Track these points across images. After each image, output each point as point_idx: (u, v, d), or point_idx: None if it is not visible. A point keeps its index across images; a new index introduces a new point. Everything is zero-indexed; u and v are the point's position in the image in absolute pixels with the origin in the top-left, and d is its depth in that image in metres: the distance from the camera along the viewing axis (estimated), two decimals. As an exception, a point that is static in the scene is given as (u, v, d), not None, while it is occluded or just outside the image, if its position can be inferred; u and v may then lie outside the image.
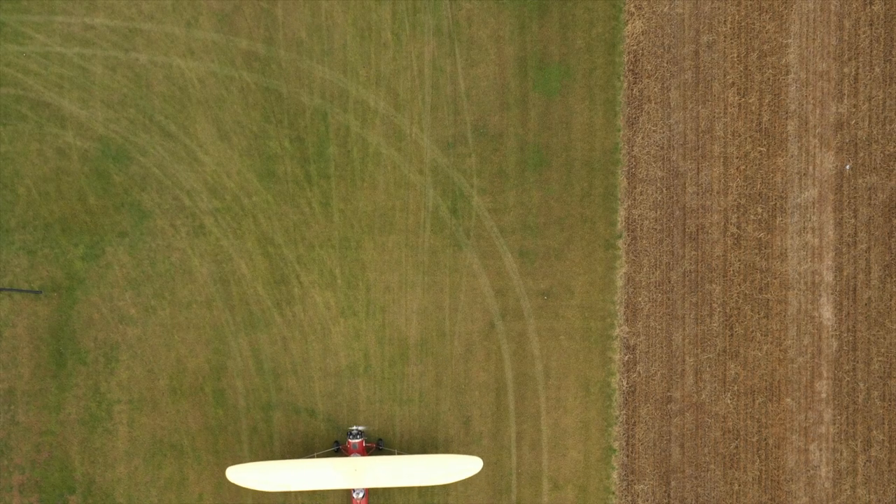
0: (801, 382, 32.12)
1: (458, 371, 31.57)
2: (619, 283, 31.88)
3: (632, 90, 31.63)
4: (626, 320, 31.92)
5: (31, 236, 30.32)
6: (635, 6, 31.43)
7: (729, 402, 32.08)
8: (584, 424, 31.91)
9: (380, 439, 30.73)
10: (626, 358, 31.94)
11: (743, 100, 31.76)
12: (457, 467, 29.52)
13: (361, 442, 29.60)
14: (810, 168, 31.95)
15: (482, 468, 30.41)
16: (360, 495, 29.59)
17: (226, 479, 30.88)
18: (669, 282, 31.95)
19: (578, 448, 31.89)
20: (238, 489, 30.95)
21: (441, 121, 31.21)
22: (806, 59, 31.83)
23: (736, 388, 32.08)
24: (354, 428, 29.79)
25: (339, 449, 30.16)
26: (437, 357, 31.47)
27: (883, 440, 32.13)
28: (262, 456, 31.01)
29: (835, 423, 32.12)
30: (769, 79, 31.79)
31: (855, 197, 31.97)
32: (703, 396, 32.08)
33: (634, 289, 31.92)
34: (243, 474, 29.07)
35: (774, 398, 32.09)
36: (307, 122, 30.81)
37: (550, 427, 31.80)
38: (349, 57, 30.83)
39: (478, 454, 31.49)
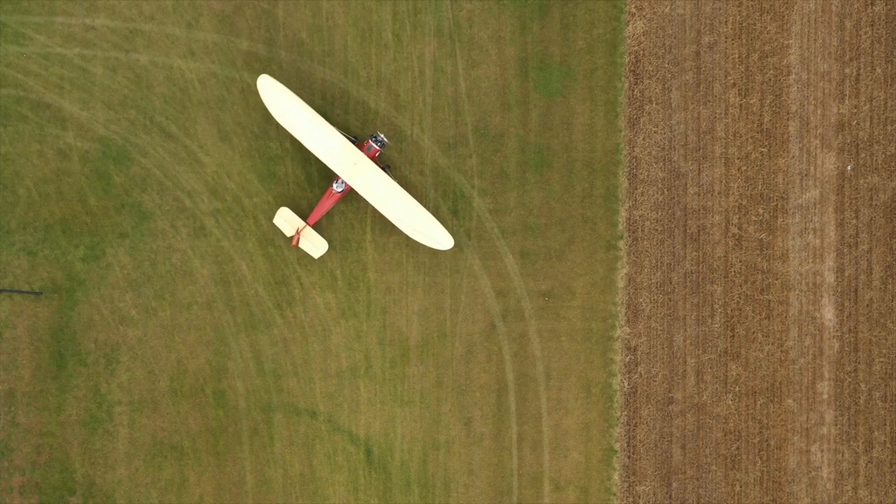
0: (802, 383, 32.09)
1: (459, 372, 31.54)
2: (621, 284, 31.85)
3: (633, 91, 31.61)
4: (628, 321, 31.89)
5: (32, 237, 30.30)
6: (636, 7, 31.41)
7: (730, 403, 32.04)
8: (585, 425, 31.87)
9: (388, 165, 30.41)
10: (627, 359, 31.91)
11: (744, 100, 31.74)
12: (429, 232, 29.52)
13: (377, 151, 29.38)
14: (812, 169, 31.93)
15: (484, 467, 30.33)
16: (341, 188, 29.47)
17: (227, 479, 30.89)
18: (671, 283, 31.92)
19: (580, 449, 31.86)
20: (239, 489, 30.92)
21: (442, 122, 31.18)
22: (807, 60, 31.80)
23: (737, 389, 32.05)
24: (381, 135, 29.40)
25: (354, 142, 29.70)
26: (438, 358, 31.45)
27: (885, 441, 32.09)
28: (262, 457, 30.98)
29: (836, 425, 32.09)
30: (770, 79, 31.77)
31: (856, 198, 31.94)
32: (705, 397, 32.04)
33: (635, 290, 31.89)
34: (272, 91, 28.78)
35: (776, 399, 32.06)
36: (308, 122, 30.77)
37: (552, 428, 31.77)
38: (350, 58, 30.81)
39: (479, 456, 31.47)
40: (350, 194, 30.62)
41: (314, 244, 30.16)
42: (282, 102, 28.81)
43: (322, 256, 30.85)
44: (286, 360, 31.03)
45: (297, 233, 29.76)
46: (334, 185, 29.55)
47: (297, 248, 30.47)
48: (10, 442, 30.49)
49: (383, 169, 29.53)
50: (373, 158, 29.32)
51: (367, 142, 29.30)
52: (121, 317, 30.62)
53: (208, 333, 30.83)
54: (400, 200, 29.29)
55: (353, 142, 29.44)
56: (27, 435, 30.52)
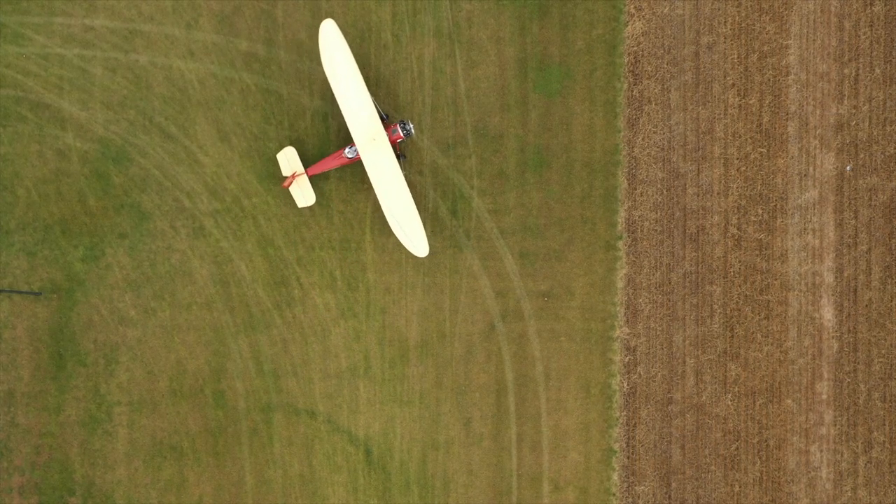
0: (801, 384, 32.10)
1: (459, 372, 31.55)
2: (620, 284, 31.85)
3: (632, 91, 31.62)
4: (627, 322, 31.89)
5: (31, 238, 30.30)
6: (635, 7, 31.42)
7: (729, 403, 32.05)
8: (584, 426, 31.88)
9: (403, 155, 30.80)
10: (626, 359, 31.92)
11: (743, 101, 31.75)
12: (411, 234, 29.83)
13: (399, 138, 29.68)
14: (811, 169, 31.94)
15: (482, 464, 30.38)
16: (351, 155, 29.76)
17: (226, 479, 30.89)
18: (670, 283, 31.92)
19: (579, 449, 31.87)
20: (238, 490, 30.93)
21: (441, 122, 31.19)
22: (806, 61, 31.81)
23: (736, 389, 32.05)
24: (410, 125, 29.77)
25: (383, 120, 30.04)
26: (438, 358, 31.45)
27: (884, 441, 32.10)
28: (261, 458, 30.99)
29: (835, 425, 32.10)
30: (769, 80, 31.78)
31: (855, 198, 31.95)
32: (704, 398, 32.05)
33: (635, 290, 31.90)
34: (331, 39, 29.13)
35: (775, 399, 32.07)
36: (307, 123, 30.80)
37: (551, 428, 31.78)
38: (349, 58, 30.81)
39: (478, 456, 31.47)
40: (351, 181, 30.60)
41: (303, 193, 30.15)
42: (335, 53, 29.13)
43: (321, 257, 30.86)
44: (285, 361, 31.04)
45: (293, 176, 29.78)
46: (346, 150, 29.78)
47: (285, 188, 30.41)
48: (10, 442, 30.50)
49: (398, 156, 29.67)
50: (393, 143, 29.55)
51: (395, 125, 29.59)
52: (120, 317, 30.63)
53: (207, 334, 30.84)
54: (398, 192, 29.44)
55: (382, 119, 29.70)
56: (27, 435, 30.53)
